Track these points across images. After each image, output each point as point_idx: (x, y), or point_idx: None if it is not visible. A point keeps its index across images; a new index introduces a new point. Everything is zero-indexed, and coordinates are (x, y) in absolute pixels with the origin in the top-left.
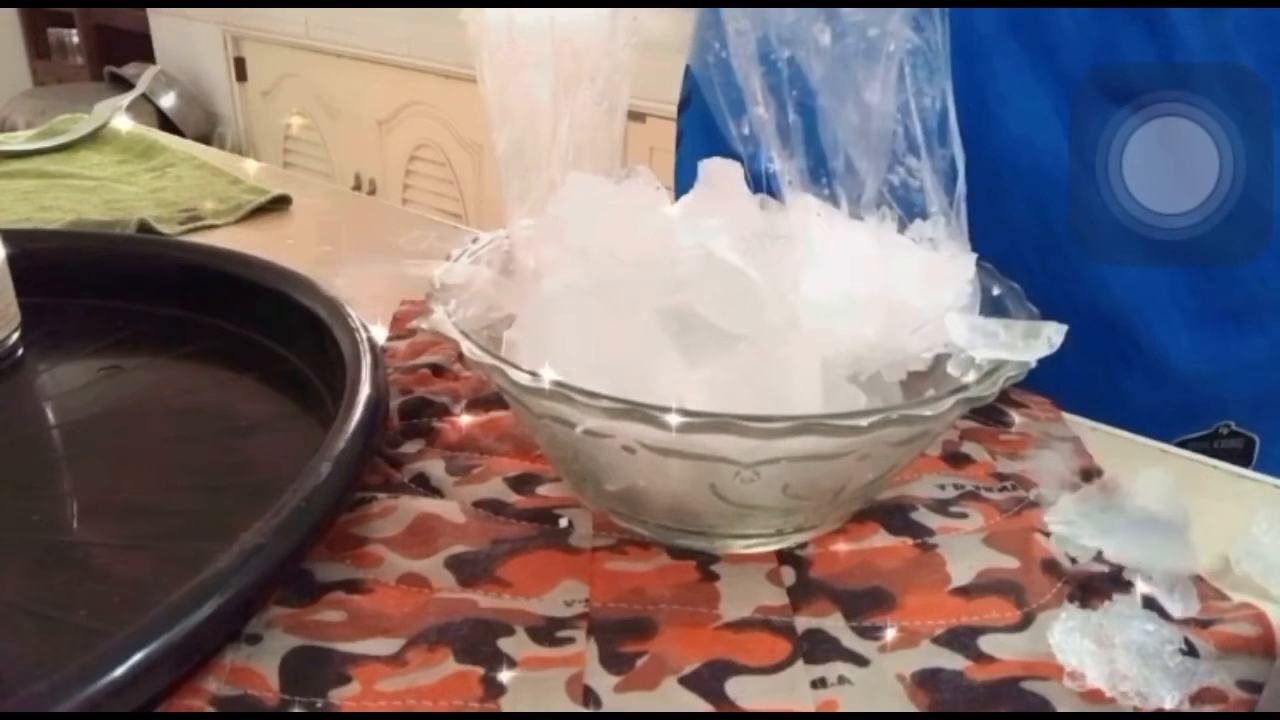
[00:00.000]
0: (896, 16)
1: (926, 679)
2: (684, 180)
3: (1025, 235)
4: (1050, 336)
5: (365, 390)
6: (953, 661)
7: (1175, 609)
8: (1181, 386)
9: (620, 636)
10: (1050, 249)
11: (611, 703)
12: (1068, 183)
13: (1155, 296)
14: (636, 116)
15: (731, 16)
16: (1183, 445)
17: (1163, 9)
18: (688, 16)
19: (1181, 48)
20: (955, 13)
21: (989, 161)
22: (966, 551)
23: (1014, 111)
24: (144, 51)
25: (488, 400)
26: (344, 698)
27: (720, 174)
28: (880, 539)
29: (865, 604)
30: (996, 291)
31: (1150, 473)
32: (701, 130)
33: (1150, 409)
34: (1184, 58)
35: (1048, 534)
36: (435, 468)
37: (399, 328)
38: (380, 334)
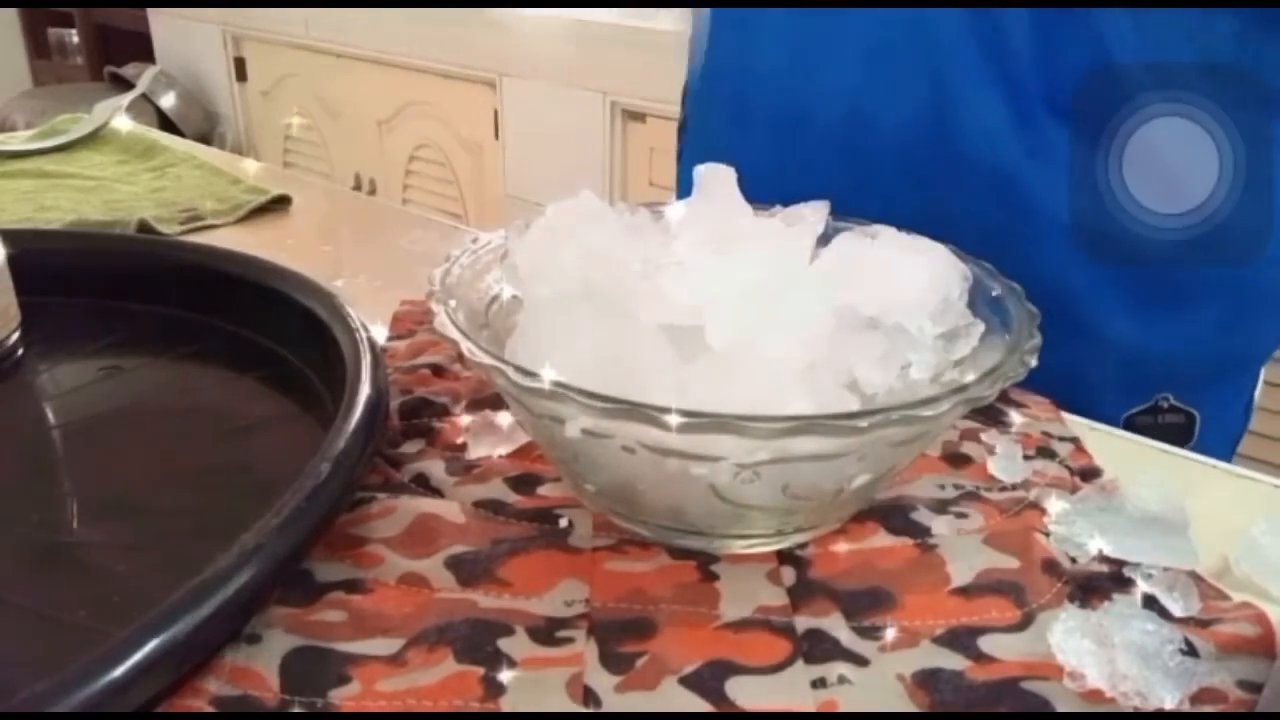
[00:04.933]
0: None
1: (926, 679)
2: (684, 197)
3: (976, 225)
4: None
5: (365, 390)
6: (953, 661)
7: (1175, 608)
8: (1120, 359)
9: (620, 636)
10: (1002, 238)
11: (611, 703)
12: (1016, 176)
13: (1091, 275)
14: (636, 116)
15: None
16: (1130, 420)
17: (1151, 9)
18: (688, 17)
19: (1173, 49)
20: (919, 26)
21: (948, 160)
22: (966, 551)
23: (971, 115)
24: (144, 51)
25: (488, 400)
26: (344, 698)
27: (715, 180)
28: (880, 539)
29: (865, 604)
30: (996, 291)
31: (1150, 473)
32: (699, 153)
33: (1092, 380)
34: (1181, 59)
35: (1048, 534)
36: (435, 468)
37: (399, 328)
38: (380, 334)
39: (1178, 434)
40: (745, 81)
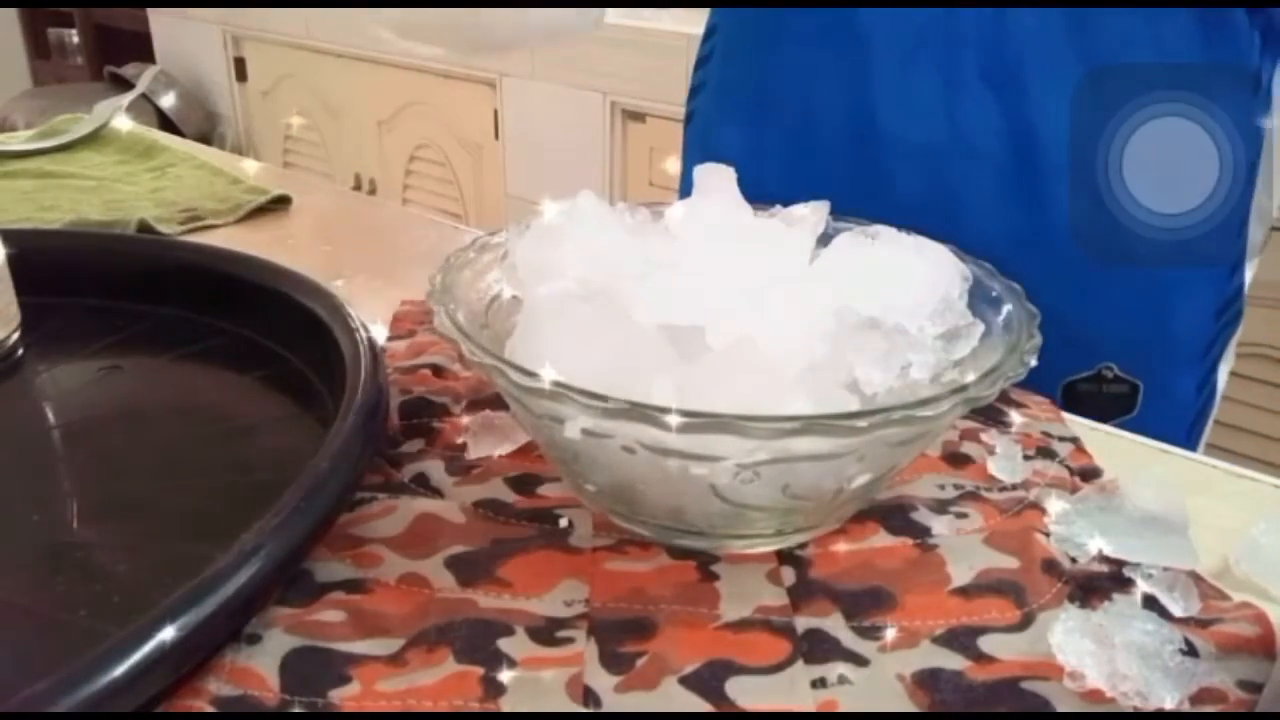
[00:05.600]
0: None
1: (926, 679)
2: (689, 160)
3: (903, 199)
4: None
5: (365, 390)
6: (953, 661)
7: (1176, 608)
8: (1062, 325)
9: (620, 636)
10: (928, 209)
11: (611, 703)
12: (943, 151)
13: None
14: (636, 116)
15: None
16: (1071, 386)
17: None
18: (689, 17)
19: (1176, 48)
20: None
21: (874, 140)
22: (966, 551)
23: (897, 100)
24: (144, 51)
25: (488, 400)
26: (344, 698)
27: (715, 180)
28: (880, 539)
29: (865, 604)
30: (996, 291)
31: (1150, 473)
32: (701, 147)
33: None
34: (1183, 59)
35: (1048, 534)
36: (435, 468)
37: (399, 328)
38: (380, 334)
39: (1120, 404)
40: (721, 73)
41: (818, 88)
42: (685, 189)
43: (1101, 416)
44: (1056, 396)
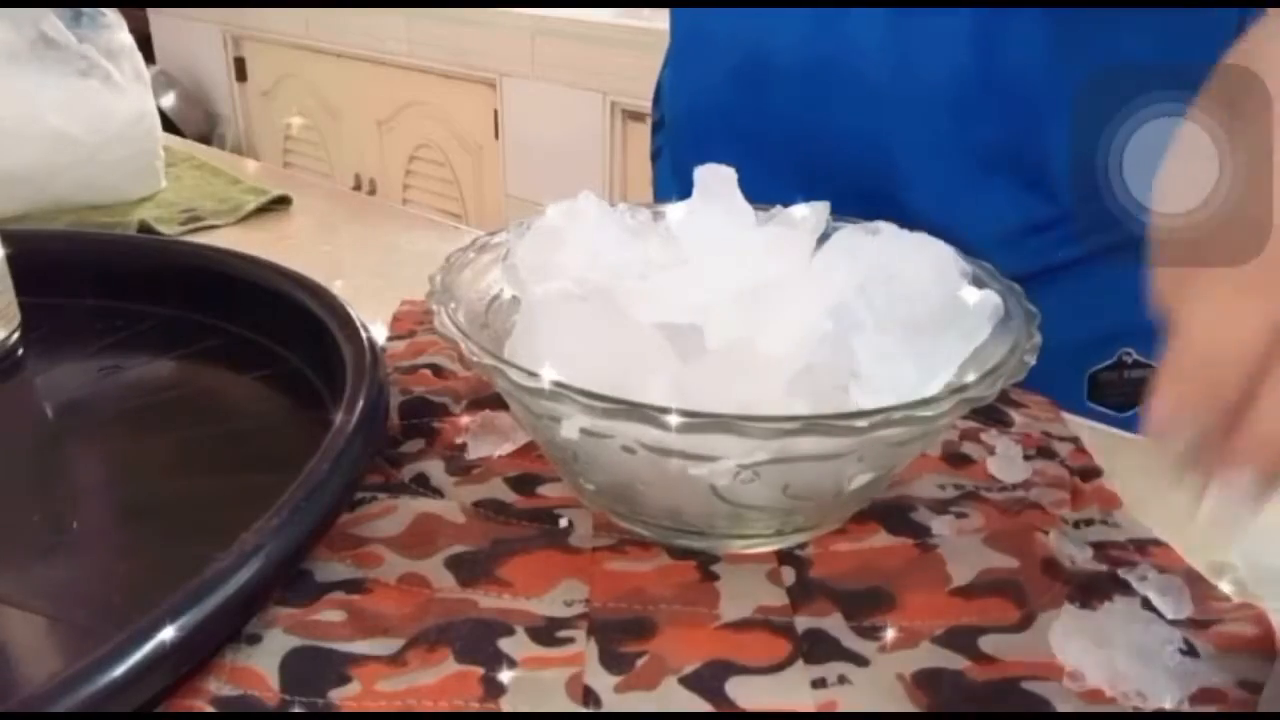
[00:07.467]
0: None
1: (926, 679)
2: (662, 194)
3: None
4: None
5: (365, 390)
6: (953, 661)
7: (1168, 610)
8: (1080, 314)
9: (620, 636)
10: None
11: (611, 703)
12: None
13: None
14: (636, 116)
15: None
16: (1094, 377)
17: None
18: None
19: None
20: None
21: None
22: (966, 551)
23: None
24: (144, 51)
25: (488, 400)
26: (344, 698)
27: (714, 180)
28: (880, 539)
29: (865, 604)
30: (995, 288)
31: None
32: (672, 152)
33: (1052, 342)
34: (1187, 59)
35: (1047, 534)
36: (435, 468)
37: (399, 328)
38: (380, 334)
39: (1144, 389)
40: (701, 89)
41: (816, 122)
42: (660, 194)
43: (1125, 403)
44: (1083, 388)
